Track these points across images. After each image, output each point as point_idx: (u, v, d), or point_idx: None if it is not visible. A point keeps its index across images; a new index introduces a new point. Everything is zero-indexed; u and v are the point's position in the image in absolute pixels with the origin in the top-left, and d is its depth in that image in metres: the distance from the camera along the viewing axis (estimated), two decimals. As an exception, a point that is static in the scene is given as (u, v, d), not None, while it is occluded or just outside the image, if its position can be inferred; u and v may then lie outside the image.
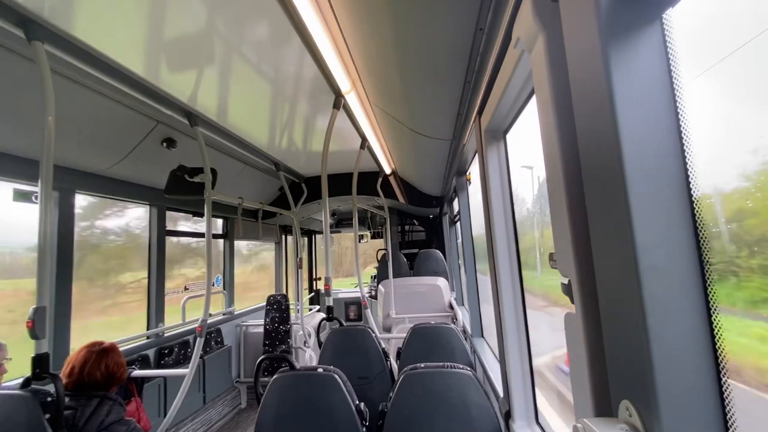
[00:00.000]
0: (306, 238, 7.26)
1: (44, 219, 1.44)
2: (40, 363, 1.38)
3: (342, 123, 2.50)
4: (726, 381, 0.52)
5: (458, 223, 3.61)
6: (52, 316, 2.31)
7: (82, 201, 2.80)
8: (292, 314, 4.48)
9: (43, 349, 1.40)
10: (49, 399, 1.37)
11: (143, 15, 1.44)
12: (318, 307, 5.57)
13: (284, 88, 2.14)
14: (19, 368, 1.83)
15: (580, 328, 0.70)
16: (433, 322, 2.50)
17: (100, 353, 1.52)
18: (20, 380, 1.44)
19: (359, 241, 4.28)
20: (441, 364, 1.64)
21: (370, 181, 4.04)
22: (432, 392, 1.56)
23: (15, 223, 2.44)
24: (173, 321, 3.49)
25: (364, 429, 1.62)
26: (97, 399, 1.42)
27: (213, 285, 4.17)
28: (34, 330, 1.36)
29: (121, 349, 1.63)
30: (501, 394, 1.73)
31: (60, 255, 2.40)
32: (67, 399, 1.39)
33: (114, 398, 1.46)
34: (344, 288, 7.51)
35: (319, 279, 7.45)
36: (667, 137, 0.55)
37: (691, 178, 0.54)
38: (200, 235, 4.06)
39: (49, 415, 1.32)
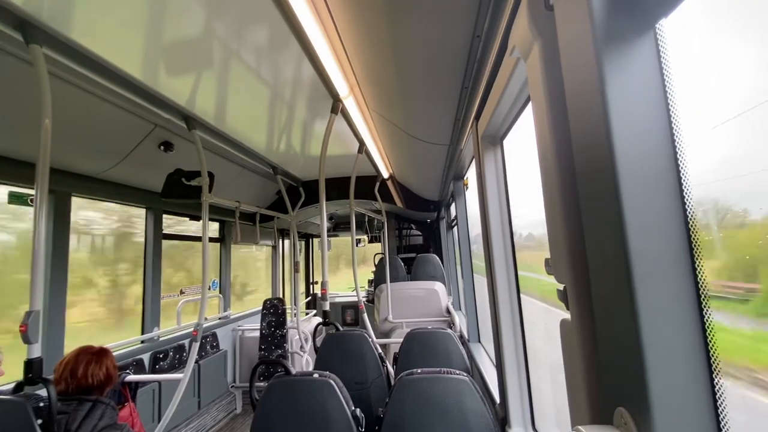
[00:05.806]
0: (303, 242, 7.25)
1: (39, 222, 1.43)
2: (32, 367, 1.37)
3: (340, 127, 2.51)
4: (719, 387, 0.52)
5: (455, 228, 3.61)
6: (46, 320, 2.29)
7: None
8: (289, 318, 4.45)
9: (35, 354, 1.38)
10: (41, 404, 1.35)
11: (142, 18, 1.45)
12: (315, 311, 5.55)
13: (282, 92, 2.14)
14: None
15: (575, 334, 0.70)
16: (430, 327, 2.49)
17: (99, 355, 1.52)
18: (11, 385, 1.42)
19: (356, 245, 4.27)
20: (437, 369, 1.63)
21: (368, 185, 4.04)
22: (428, 398, 1.55)
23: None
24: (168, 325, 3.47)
25: None
26: (89, 403, 1.40)
27: (209, 289, 4.14)
28: (27, 334, 1.34)
29: (114, 353, 1.62)
30: (498, 400, 1.72)
31: (55, 259, 2.38)
32: (59, 404, 1.38)
33: (107, 402, 1.44)
34: (341, 292, 7.49)
35: (316, 283, 7.42)
36: (661, 144, 0.55)
37: (684, 186, 0.54)
38: (197, 238, 4.04)
39: (41, 420, 1.30)
